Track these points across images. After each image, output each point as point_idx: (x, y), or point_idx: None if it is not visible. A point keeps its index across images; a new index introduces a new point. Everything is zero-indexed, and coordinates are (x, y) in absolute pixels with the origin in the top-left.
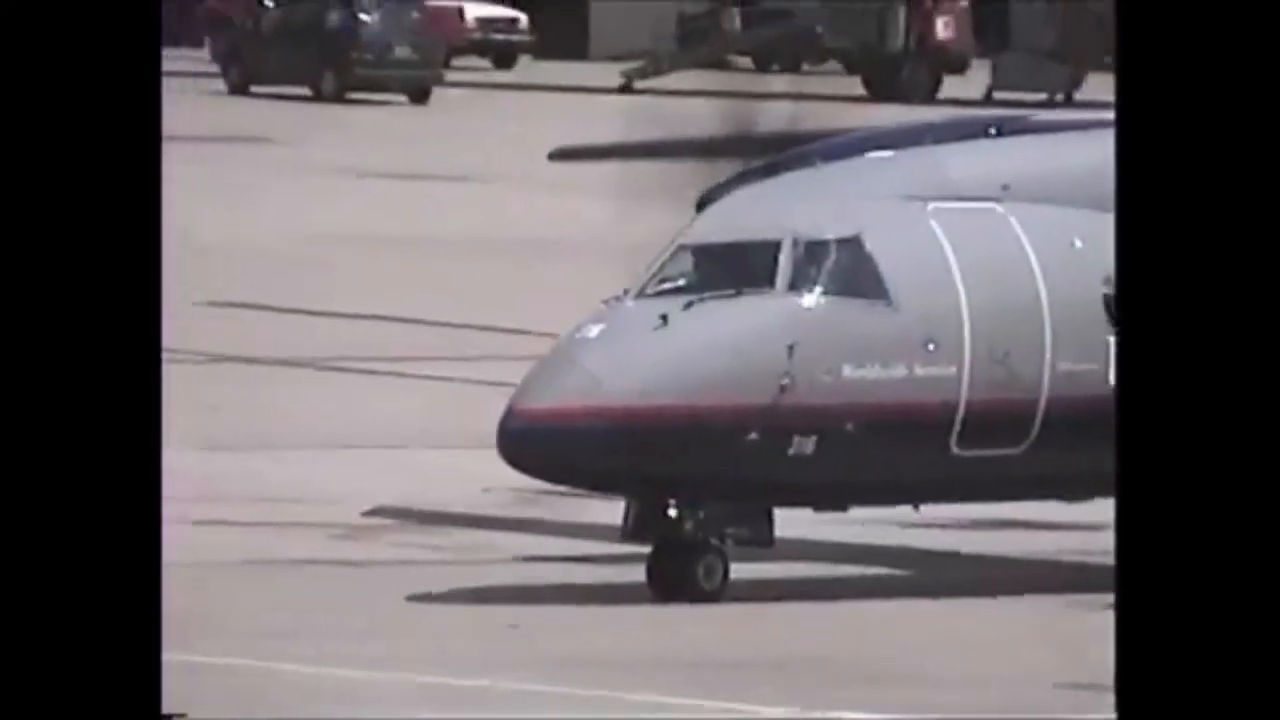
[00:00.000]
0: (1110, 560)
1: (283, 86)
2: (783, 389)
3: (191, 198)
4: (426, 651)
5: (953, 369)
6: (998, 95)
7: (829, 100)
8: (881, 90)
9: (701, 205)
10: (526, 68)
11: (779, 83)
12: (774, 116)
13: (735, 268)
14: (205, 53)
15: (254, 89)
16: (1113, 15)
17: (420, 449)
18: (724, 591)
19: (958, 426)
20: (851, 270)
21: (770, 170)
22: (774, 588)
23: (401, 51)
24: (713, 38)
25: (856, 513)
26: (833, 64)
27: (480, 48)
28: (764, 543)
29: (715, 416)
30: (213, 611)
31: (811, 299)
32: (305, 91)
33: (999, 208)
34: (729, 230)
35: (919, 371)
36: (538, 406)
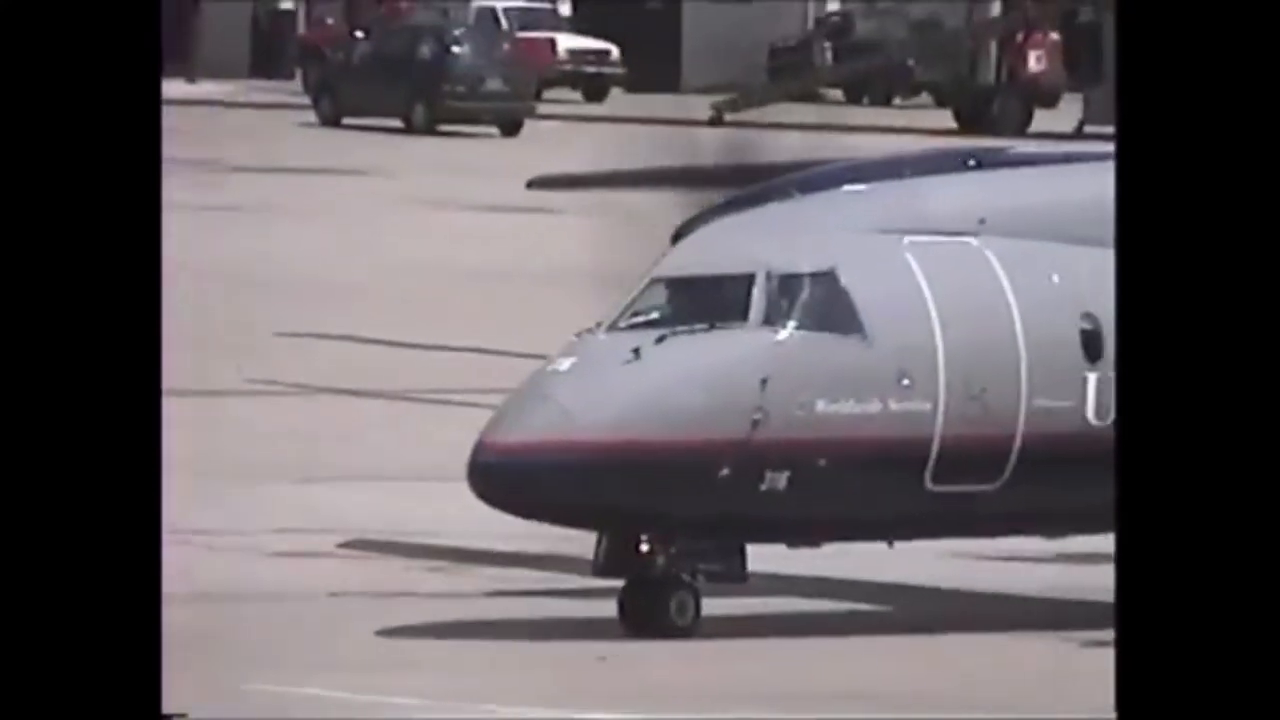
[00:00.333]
0: (1089, 595)
1: (374, 119)
2: (755, 424)
3: (282, 229)
4: (514, 684)
5: (927, 404)
6: (1089, 129)
7: (920, 133)
8: (972, 123)
9: (678, 237)
10: (617, 100)
11: (870, 115)
12: (757, 146)
13: (709, 301)
14: (297, 85)
15: (346, 121)
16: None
17: None
18: (696, 627)
19: (932, 462)
20: (825, 304)
21: (748, 202)
22: (747, 624)
23: (493, 84)
24: (804, 71)
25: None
26: (924, 97)
27: (571, 80)
28: (737, 578)
29: (687, 451)
30: (303, 643)
31: (785, 333)
32: (397, 124)
33: (975, 242)
34: (703, 263)
35: (893, 407)
36: (508, 440)
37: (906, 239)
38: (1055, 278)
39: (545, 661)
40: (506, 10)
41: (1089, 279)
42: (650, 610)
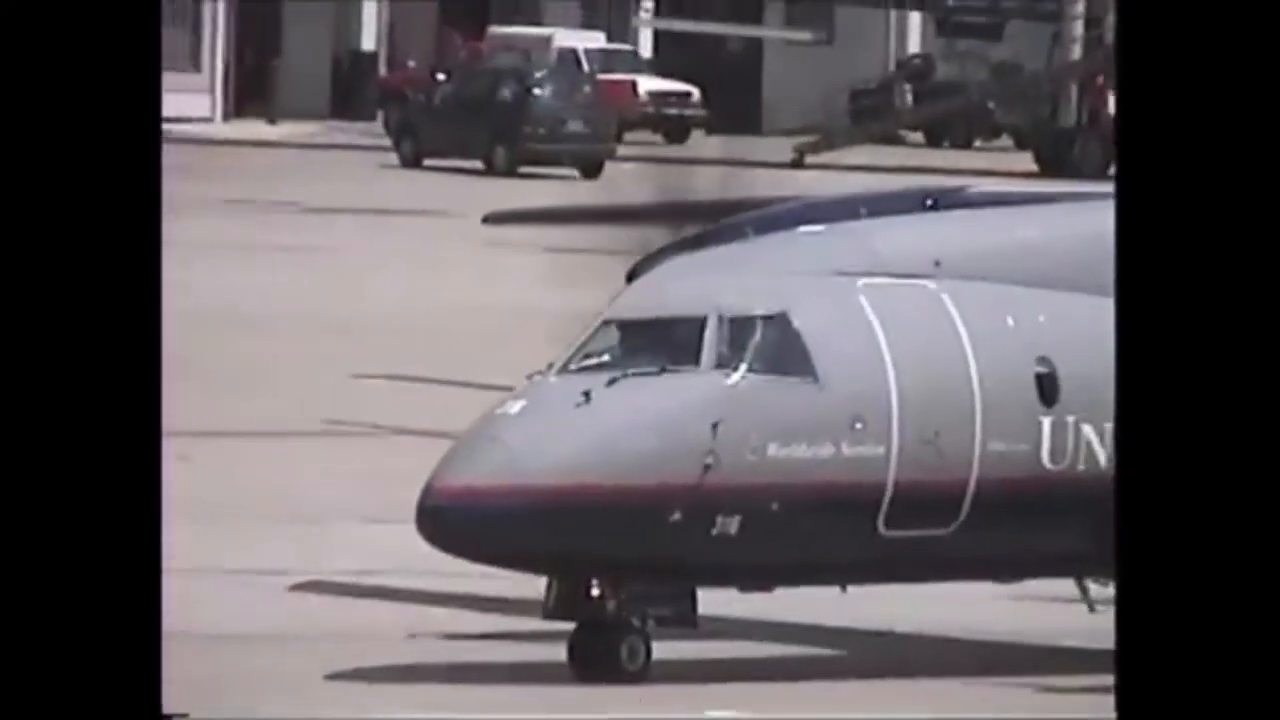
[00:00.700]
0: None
1: (455, 160)
2: (707, 468)
3: (362, 271)
4: None
5: (881, 449)
6: None
7: (1000, 176)
8: (1053, 165)
9: (632, 276)
10: (698, 142)
11: (950, 158)
12: (711, 183)
13: (660, 344)
14: (379, 126)
15: (427, 163)
16: None
17: None
18: (647, 672)
19: (885, 507)
20: (778, 347)
21: (702, 241)
22: (698, 668)
23: (574, 125)
24: (884, 113)
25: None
26: (1004, 139)
27: (653, 122)
28: (688, 623)
29: (638, 496)
30: (368, 682)
31: (737, 377)
32: (477, 165)
33: (930, 284)
34: (654, 305)
35: (846, 451)
36: (457, 484)
37: (861, 281)
38: (1011, 321)
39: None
40: (588, 52)
41: (1045, 322)
42: (600, 655)
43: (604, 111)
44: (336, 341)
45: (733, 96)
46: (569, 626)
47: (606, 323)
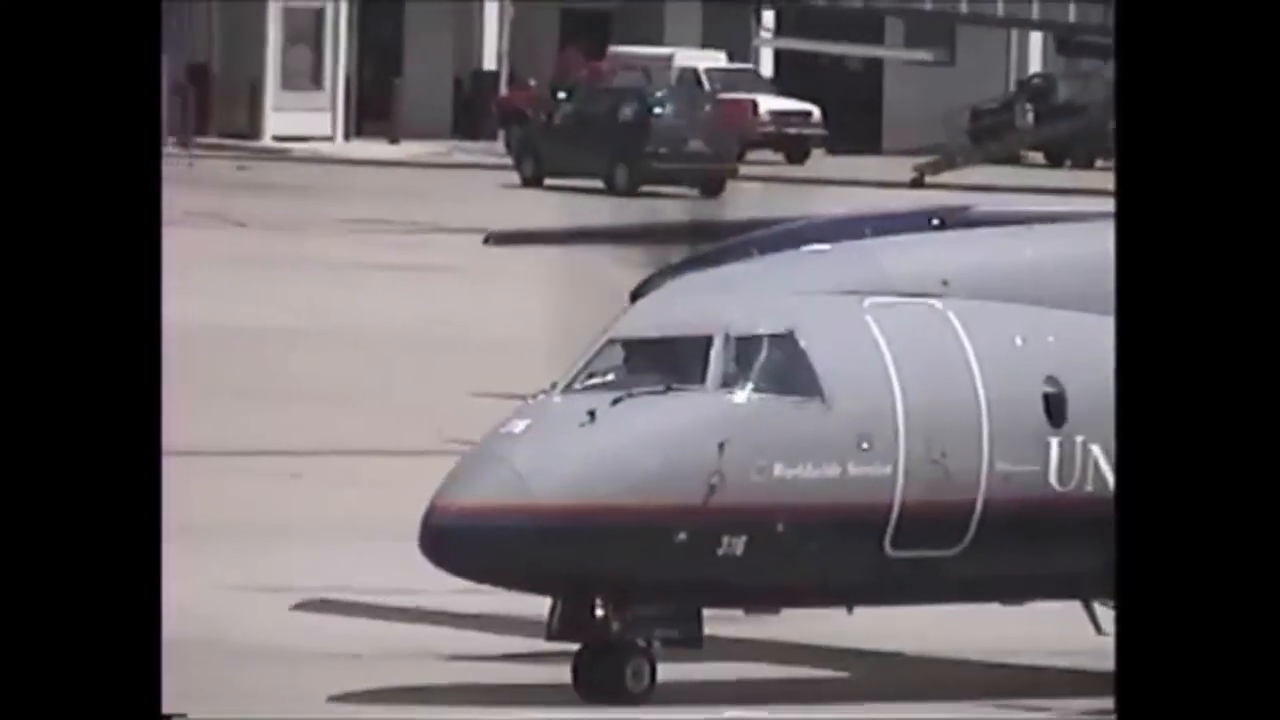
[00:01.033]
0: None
1: (576, 179)
2: (712, 488)
3: (483, 290)
4: None
5: (887, 469)
6: None
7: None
8: None
9: (637, 295)
10: (819, 161)
11: (1071, 178)
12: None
13: (665, 363)
14: (500, 145)
15: (548, 182)
16: None
17: None
18: (652, 694)
19: (892, 528)
20: (784, 367)
21: (707, 261)
22: (703, 690)
23: (694, 145)
24: (1005, 133)
25: None
26: None
27: (773, 141)
28: (693, 644)
29: (643, 516)
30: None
31: (743, 396)
32: (598, 184)
33: (938, 304)
34: (659, 324)
35: (852, 471)
36: (460, 504)
37: (868, 300)
38: (1019, 340)
39: None
40: (709, 71)
41: (1053, 342)
42: (605, 676)
43: (725, 131)
44: (456, 359)
45: (853, 116)
46: (573, 647)
47: (611, 341)
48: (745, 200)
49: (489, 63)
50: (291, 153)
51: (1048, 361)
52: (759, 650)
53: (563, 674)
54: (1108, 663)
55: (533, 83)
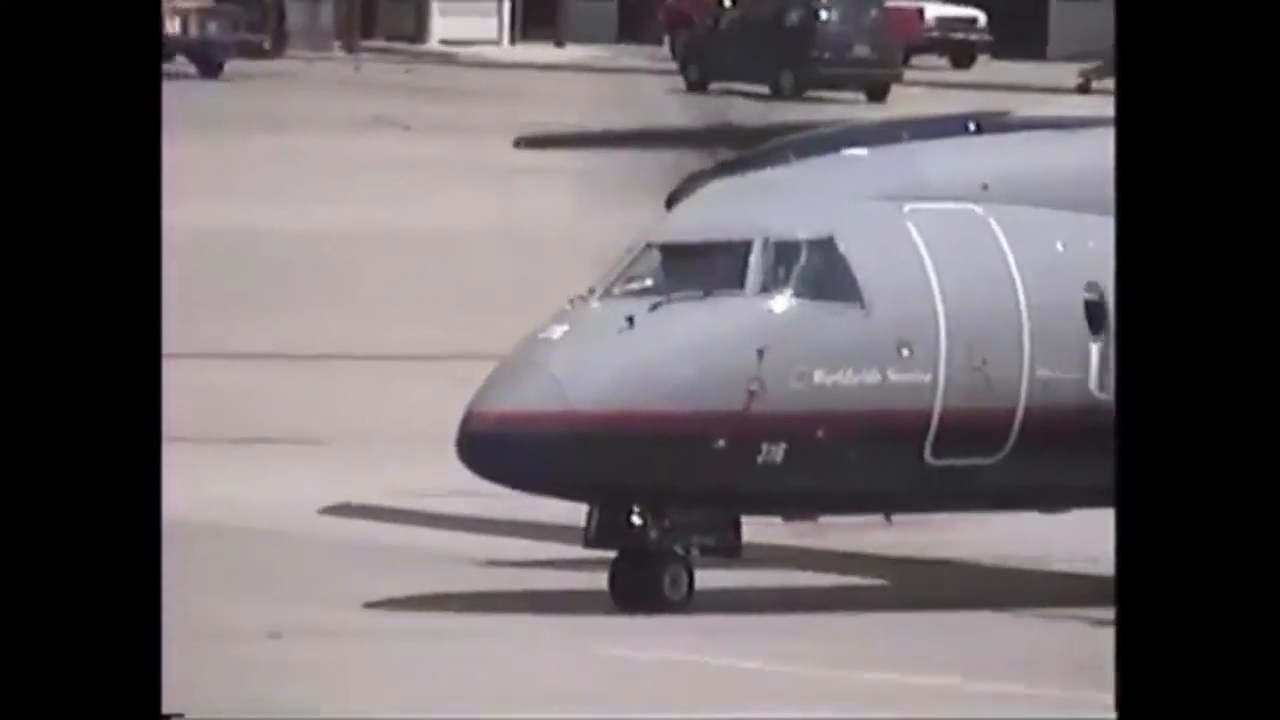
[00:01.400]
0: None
1: (741, 84)
2: (752, 395)
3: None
4: None
5: (927, 376)
6: None
7: None
8: None
9: (671, 201)
10: (984, 67)
11: None
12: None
13: (704, 268)
14: (665, 50)
15: (712, 86)
16: None
17: None
18: (690, 602)
19: (932, 435)
20: (824, 272)
21: (743, 165)
22: (742, 599)
23: (860, 50)
24: None
25: None
26: None
27: (939, 47)
28: (731, 552)
29: (682, 423)
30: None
31: (782, 302)
32: (763, 89)
33: (978, 209)
34: (698, 229)
35: (892, 378)
36: (498, 411)
37: (907, 206)
38: (1060, 246)
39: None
40: None
41: (1094, 248)
42: (642, 585)
43: (890, 36)
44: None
45: (1019, 22)
46: (610, 555)
47: (649, 246)
48: (910, 105)
49: None
50: (457, 57)
51: (1089, 268)
52: (797, 558)
53: (600, 581)
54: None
55: None
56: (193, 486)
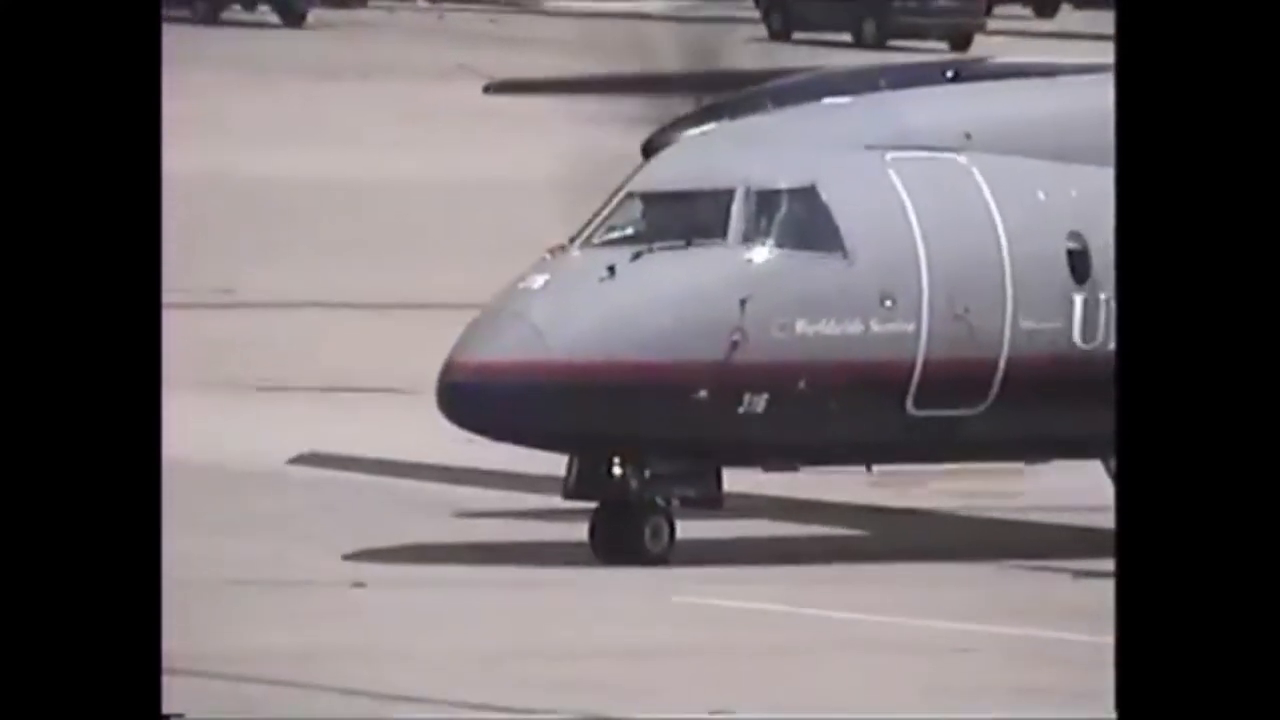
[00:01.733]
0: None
1: (823, 33)
2: (734, 345)
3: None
4: None
5: (910, 326)
6: None
7: None
8: None
9: (648, 148)
10: (1067, 16)
11: None
12: (727, 54)
13: (685, 217)
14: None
15: (795, 35)
16: None
17: None
18: (671, 553)
19: (914, 385)
20: (806, 222)
21: (719, 112)
22: (723, 550)
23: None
24: None
25: None
26: None
27: None
28: (713, 503)
29: (663, 373)
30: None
31: (764, 251)
32: (846, 38)
33: (960, 158)
34: (679, 178)
35: (875, 328)
36: (478, 360)
37: (890, 154)
38: (1042, 195)
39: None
40: None
41: (1077, 197)
42: (623, 536)
43: None
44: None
45: None
46: (590, 506)
47: (629, 195)
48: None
49: None
50: (542, 5)
51: (1071, 217)
52: (778, 509)
53: (579, 532)
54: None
55: None
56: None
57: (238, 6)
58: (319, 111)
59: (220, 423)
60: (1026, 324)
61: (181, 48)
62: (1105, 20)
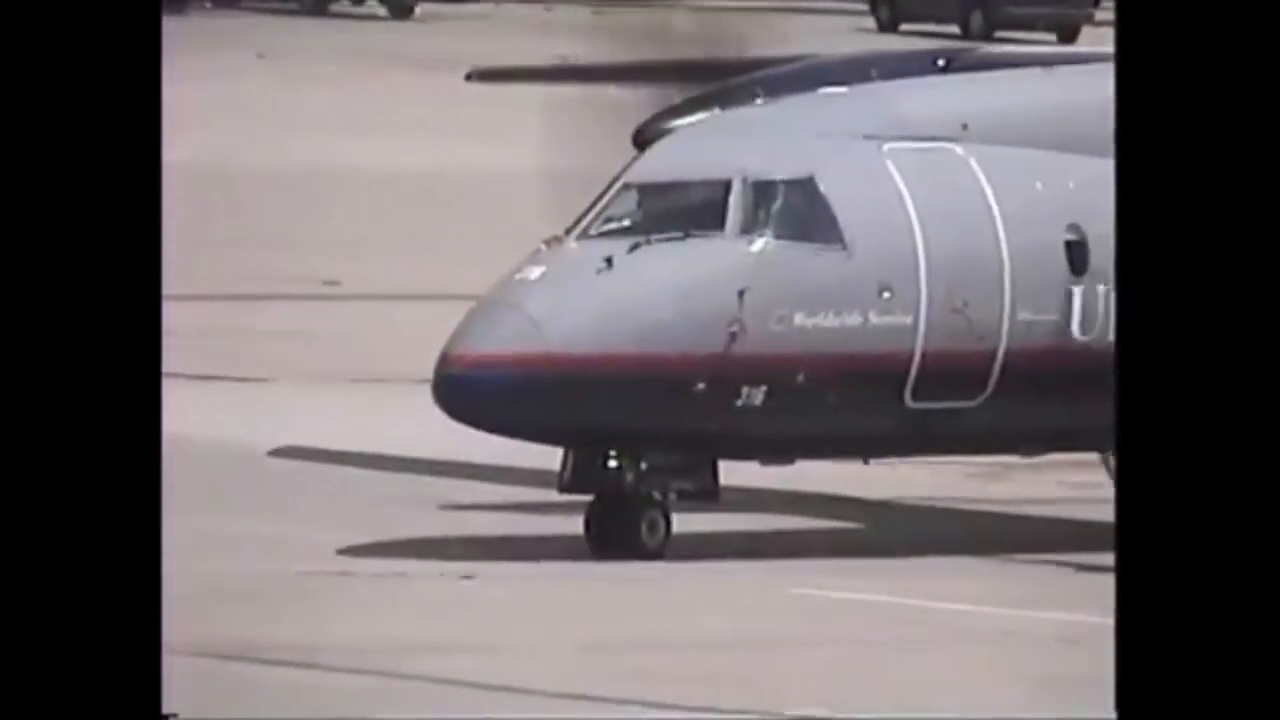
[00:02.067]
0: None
1: (931, 24)
2: (732, 337)
3: None
4: None
5: (908, 318)
6: None
7: None
8: None
9: (639, 138)
10: None
11: None
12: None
13: (683, 208)
14: None
15: (903, 27)
16: None
17: None
18: (667, 548)
19: (912, 378)
20: (804, 213)
21: (711, 103)
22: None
23: None
24: None
25: None
26: None
27: None
28: (709, 496)
29: (661, 365)
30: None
31: (762, 243)
32: (953, 29)
33: (958, 149)
34: (676, 168)
35: (873, 320)
36: (474, 352)
37: (887, 145)
38: (1040, 186)
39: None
40: None
41: (1075, 188)
42: (619, 530)
43: None
44: None
45: None
46: (585, 500)
47: (626, 186)
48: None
49: None
50: None
51: (1069, 208)
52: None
53: (575, 526)
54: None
55: None
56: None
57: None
58: (419, 104)
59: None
60: (1024, 316)
61: (286, 39)
62: None
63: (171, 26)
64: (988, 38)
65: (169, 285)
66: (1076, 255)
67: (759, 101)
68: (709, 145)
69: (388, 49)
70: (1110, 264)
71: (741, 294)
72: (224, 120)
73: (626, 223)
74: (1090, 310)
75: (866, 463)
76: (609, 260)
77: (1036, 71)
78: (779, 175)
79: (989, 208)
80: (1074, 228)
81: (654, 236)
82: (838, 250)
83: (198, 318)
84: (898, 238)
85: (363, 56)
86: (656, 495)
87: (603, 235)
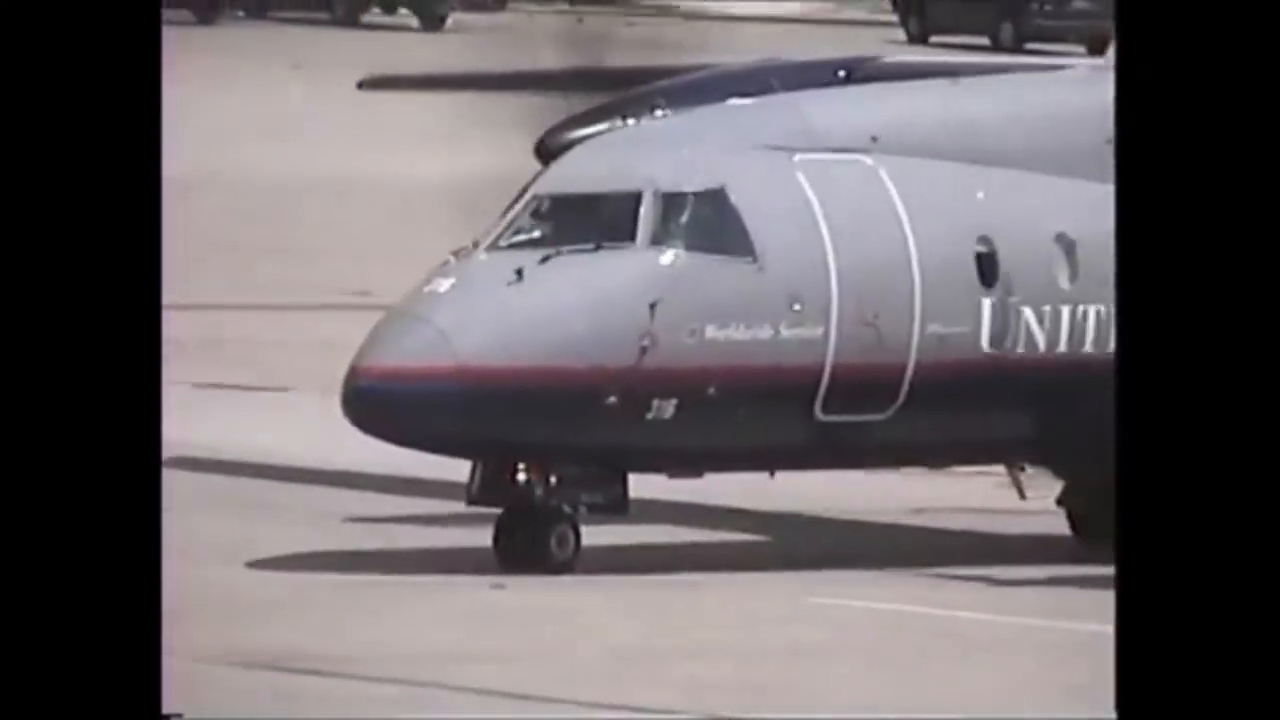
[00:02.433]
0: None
1: (961, 36)
2: (643, 350)
3: None
4: None
5: (819, 330)
6: None
7: None
8: None
9: (541, 148)
10: None
11: None
12: (612, 52)
13: (594, 220)
14: (885, 2)
15: (932, 39)
16: None
17: None
18: (576, 562)
19: (823, 391)
20: (715, 224)
21: (612, 111)
22: (629, 557)
23: (1080, 2)
24: None
25: None
26: None
27: None
28: (618, 510)
29: (572, 378)
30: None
31: (674, 255)
32: (984, 41)
33: (868, 160)
34: (587, 179)
35: (784, 333)
36: (383, 365)
37: (797, 156)
38: (950, 198)
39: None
40: None
41: (985, 200)
42: (528, 543)
43: None
44: None
45: None
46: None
47: (536, 197)
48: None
49: None
50: (678, 9)
51: (980, 220)
52: (684, 514)
53: (483, 539)
54: (1032, 527)
55: None
56: None
57: (378, 10)
58: (441, 116)
59: None
60: (935, 329)
61: (319, 50)
62: None
63: (202, 36)
64: (1017, 49)
65: (204, 294)
66: (986, 267)
67: (660, 112)
68: (619, 156)
69: (420, 60)
70: (1020, 276)
71: (653, 306)
72: (257, 130)
73: (537, 234)
74: (1000, 323)
75: (773, 476)
76: (519, 272)
77: (944, 84)
78: (690, 187)
79: (899, 219)
80: (984, 240)
81: (564, 248)
82: (749, 262)
83: (244, 328)
84: (809, 250)
85: (395, 67)
86: (566, 508)
87: (513, 247)
